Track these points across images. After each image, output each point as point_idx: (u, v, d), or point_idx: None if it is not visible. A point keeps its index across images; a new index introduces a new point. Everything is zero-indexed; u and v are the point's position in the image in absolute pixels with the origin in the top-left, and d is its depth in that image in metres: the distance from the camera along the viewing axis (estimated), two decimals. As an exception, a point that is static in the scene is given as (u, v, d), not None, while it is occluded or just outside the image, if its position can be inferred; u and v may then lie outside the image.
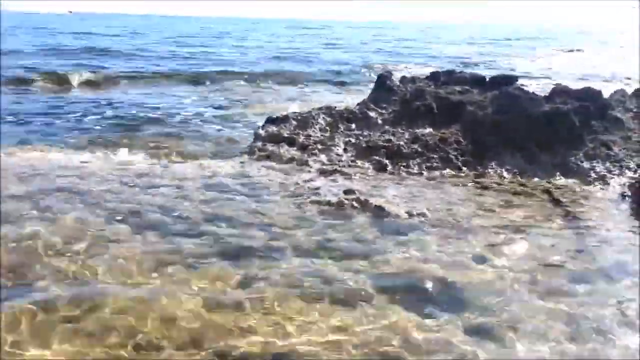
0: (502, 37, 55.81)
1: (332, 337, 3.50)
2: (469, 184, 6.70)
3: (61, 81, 15.45)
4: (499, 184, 6.69)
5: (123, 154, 7.83)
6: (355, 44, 38.86)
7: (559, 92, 9.33)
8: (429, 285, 4.20)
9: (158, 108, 11.80)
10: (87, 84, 15.58)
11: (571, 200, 6.17)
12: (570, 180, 6.93)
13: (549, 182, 6.77)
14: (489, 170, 7.15)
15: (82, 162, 7.25)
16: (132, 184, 6.34)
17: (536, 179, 6.91)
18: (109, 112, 11.16)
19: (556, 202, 6.07)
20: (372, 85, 11.86)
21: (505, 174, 7.06)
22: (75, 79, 15.66)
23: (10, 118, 10.17)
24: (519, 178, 6.92)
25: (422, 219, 5.48)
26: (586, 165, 7.29)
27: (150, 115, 10.94)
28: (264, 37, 43.94)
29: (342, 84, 17.71)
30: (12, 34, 34.31)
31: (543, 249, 4.87)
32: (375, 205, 5.74)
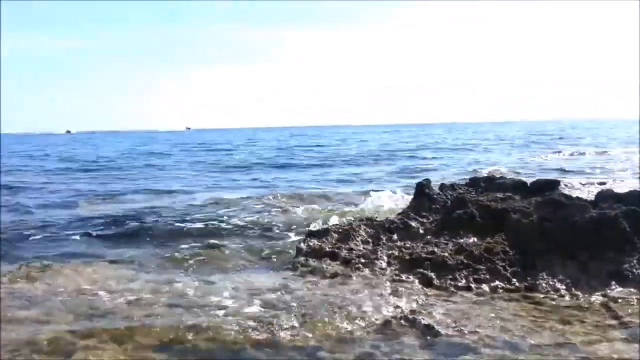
0: None
1: None
2: (521, 299, 6.44)
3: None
4: (552, 298, 6.41)
5: (167, 270, 7.96)
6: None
7: (605, 196, 9.18)
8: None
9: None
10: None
11: (631, 313, 5.85)
12: (627, 290, 6.61)
13: (605, 295, 6.45)
14: (540, 281, 6.89)
15: (125, 282, 7.36)
16: (175, 305, 6.34)
17: (591, 290, 6.61)
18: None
19: (616, 316, 5.76)
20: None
21: (557, 284, 6.78)
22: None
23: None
24: (573, 289, 6.63)
25: (475, 338, 5.25)
26: (642, 272, 6.97)
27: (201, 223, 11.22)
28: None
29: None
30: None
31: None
32: (424, 324, 5.55)
